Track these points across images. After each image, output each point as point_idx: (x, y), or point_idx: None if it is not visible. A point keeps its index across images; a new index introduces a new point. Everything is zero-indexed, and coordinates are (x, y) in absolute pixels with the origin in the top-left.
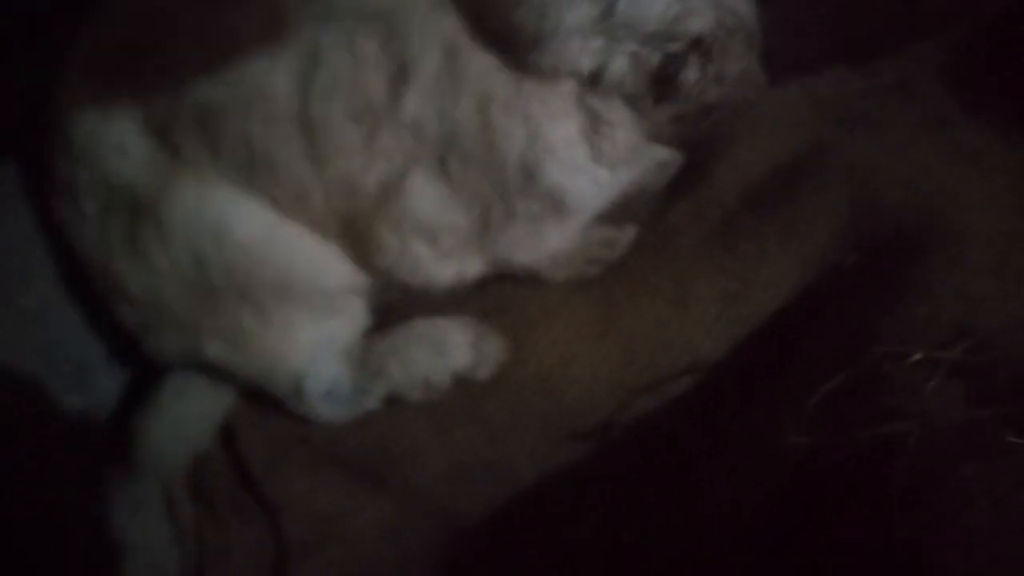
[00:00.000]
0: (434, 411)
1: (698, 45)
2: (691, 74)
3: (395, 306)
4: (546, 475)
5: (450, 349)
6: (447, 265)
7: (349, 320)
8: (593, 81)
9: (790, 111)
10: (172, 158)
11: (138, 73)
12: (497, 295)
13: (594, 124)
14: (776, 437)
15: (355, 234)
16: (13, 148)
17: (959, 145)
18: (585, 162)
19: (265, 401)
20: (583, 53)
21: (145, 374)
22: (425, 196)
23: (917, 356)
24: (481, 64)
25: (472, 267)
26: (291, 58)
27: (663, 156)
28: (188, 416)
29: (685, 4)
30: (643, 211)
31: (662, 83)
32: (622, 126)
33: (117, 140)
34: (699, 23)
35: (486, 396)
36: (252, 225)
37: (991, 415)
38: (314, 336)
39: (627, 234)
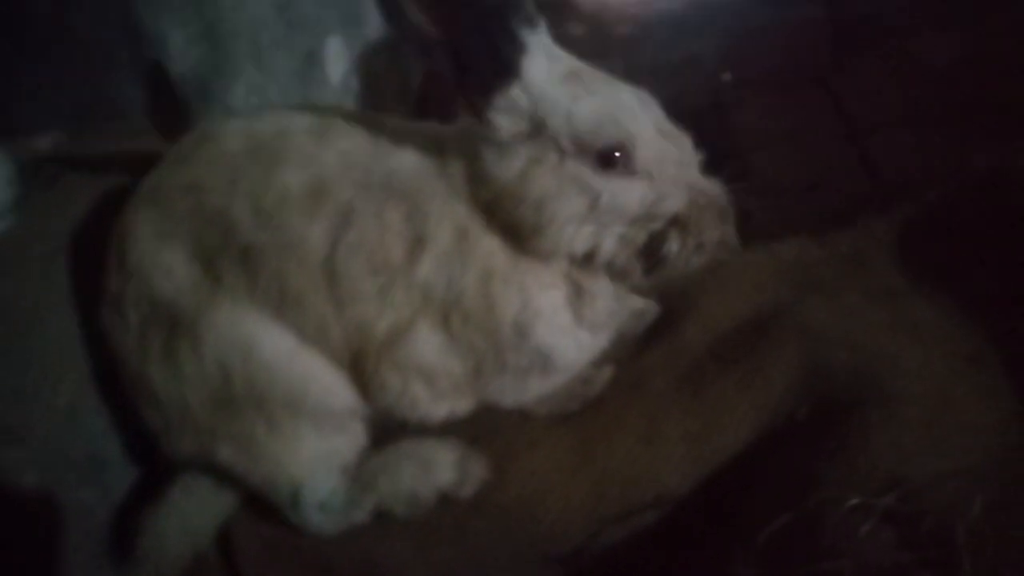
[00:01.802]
0: (418, 529)
1: (677, 222)
2: (673, 246)
3: (391, 429)
4: None
5: (436, 466)
6: (441, 405)
7: (350, 439)
8: (587, 260)
9: (755, 273)
10: (213, 284)
11: (194, 208)
12: (485, 422)
13: (578, 294)
14: (729, 569)
15: (362, 370)
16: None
17: (903, 315)
18: (569, 326)
19: (262, 511)
20: (577, 238)
21: (153, 475)
22: (428, 344)
23: (854, 501)
24: (486, 245)
25: (463, 406)
26: (327, 216)
27: (640, 306)
28: (193, 513)
29: (658, 190)
30: (621, 354)
31: (649, 256)
32: (602, 296)
33: (167, 264)
34: (674, 204)
35: (468, 518)
36: (277, 347)
37: (914, 559)
38: (317, 450)
39: (604, 374)
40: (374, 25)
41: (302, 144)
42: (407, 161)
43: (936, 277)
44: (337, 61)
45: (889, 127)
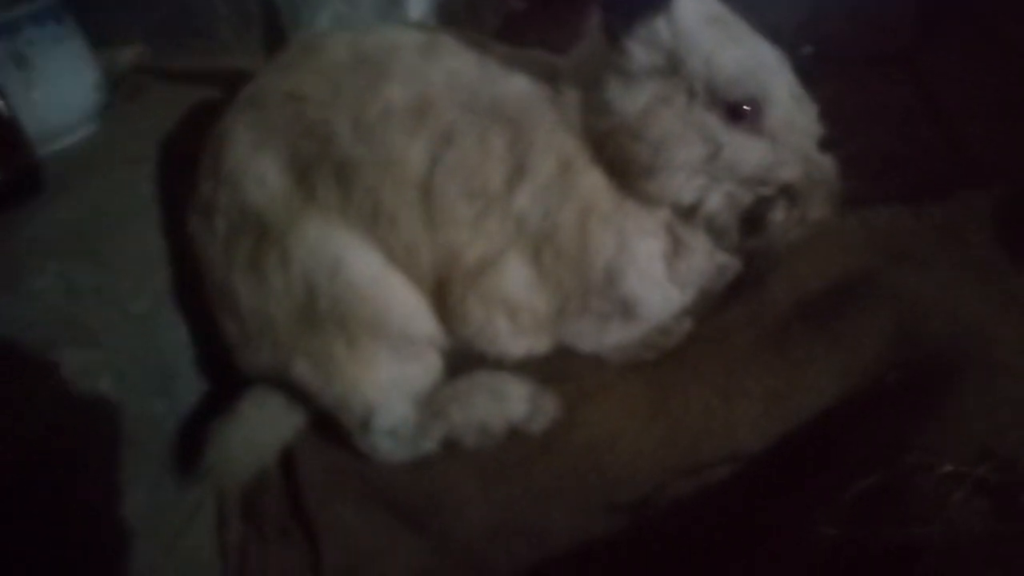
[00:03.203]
0: (484, 466)
1: (787, 191)
2: (778, 215)
3: (468, 362)
4: (581, 544)
5: (508, 398)
6: (521, 341)
7: (425, 369)
8: (690, 212)
9: (847, 237)
10: (306, 197)
11: (293, 117)
12: (559, 365)
13: (675, 247)
14: (810, 528)
15: (447, 299)
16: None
17: (999, 288)
18: (660, 277)
19: (329, 434)
20: (686, 187)
21: (222, 392)
22: (516, 277)
23: (946, 469)
24: (590, 180)
25: (542, 345)
26: (428, 135)
27: (723, 261)
28: (261, 428)
29: (778, 155)
30: (701, 308)
31: (751, 221)
32: (698, 252)
33: (260, 172)
34: (789, 172)
35: (534, 458)
36: (364, 267)
37: (1014, 531)
38: (392, 375)
39: (684, 326)
40: None
41: (409, 60)
42: (517, 86)
43: None
44: (419, 1)
45: (975, 109)
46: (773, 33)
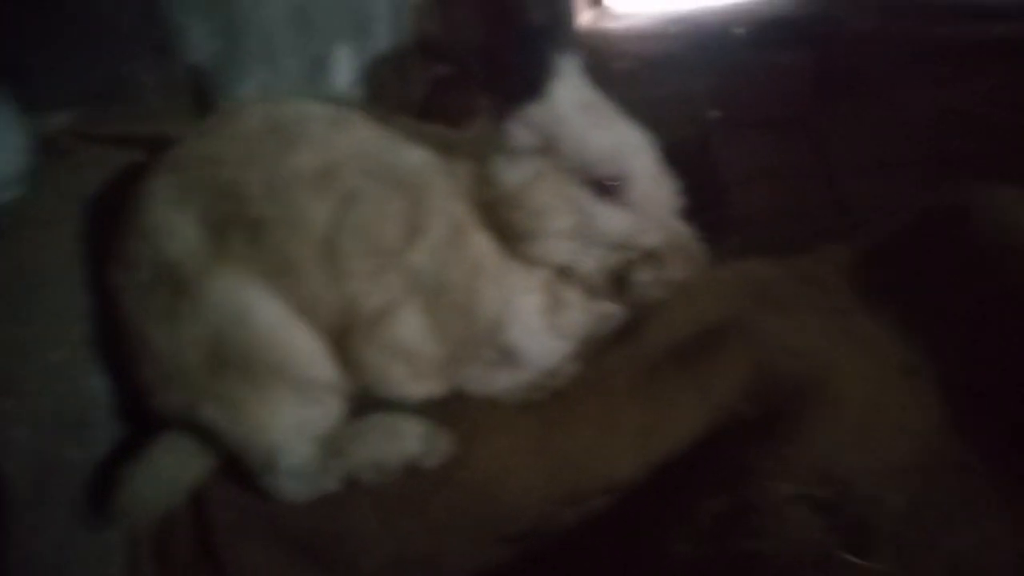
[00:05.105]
0: (383, 502)
1: (650, 255)
2: (642, 276)
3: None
4: (474, 574)
5: (403, 437)
6: (419, 385)
7: (327, 412)
8: (566, 272)
9: (719, 287)
10: (219, 251)
11: (210, 178)
12: (456, 406)
13: (555, 303)
14: (670, 547)
15: (348, 346)
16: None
17: (849, 329)
18: (541, 330)
19: (238, 477)
20: (562, 251)
21: (137, 438)
22: (410, 326)
23: (788, 491)
24: (478, 242)
25: (439, 389)
26: (333, 197)
27: (609, 310)
28: (171, 470)
29: (641, 224)
30: (588, 352)
31: (619, 281)
32: (576, 308)
33: (178, 228)
34: (651, 239)
35: (431, 493)
36: (270, 315)
37: (839, 543)
38: (295, 418)
39: (571, 369)
40: (381, 36)
41: (318, 130)
42: (415, 157)
43: (883, 299)
44: (344, 68)
45: (861, 167)
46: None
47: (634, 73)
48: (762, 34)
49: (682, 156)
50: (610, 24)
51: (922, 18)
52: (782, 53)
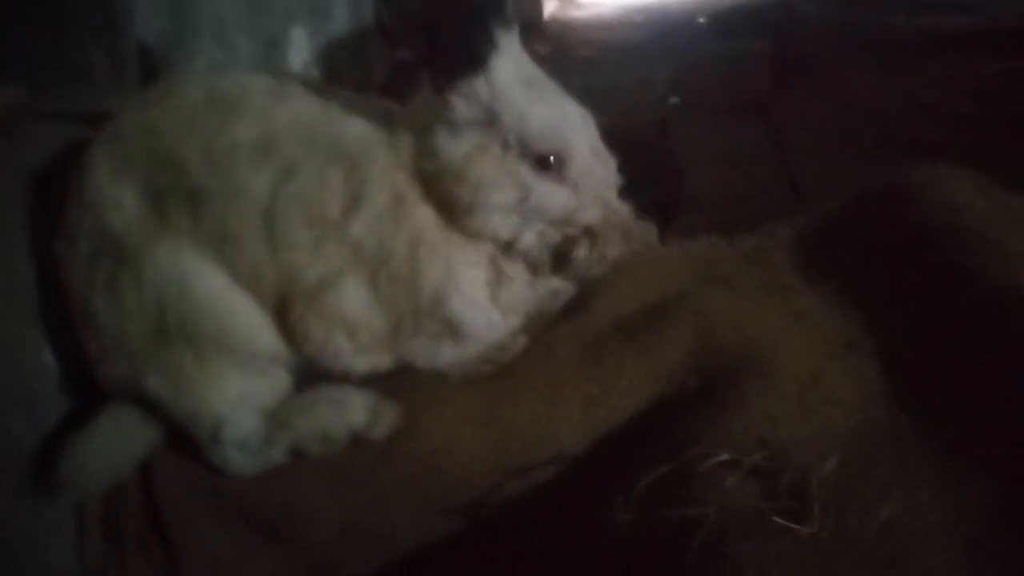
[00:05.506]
0: (331, 474)
1: (588, 232)
2: (581, 252)
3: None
4: (422, 545)
5: (349, 408)
6: (363, 358)
7: (272, 384)
8: (507, 248)
9: (666, 264)
10: (159, 222)
11: (150, 150)
12: (403, 381)
13: (497, 277)
14: (610, 515)
15: (289, 317)
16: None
17: (792, 305)
18: (484, 303)
19: (184, 450)
20: (502, 225)
21: (83, 411)
22: (352, 298)
23: (723, 457)
24: (420, 214)
25: (383, 362)
26: (272, 168)
27: (557, 286)
28: (117, 441)
29: (580, 201)
30: (537, 327)
31: (559, 256)
32: (518, 282)
33: (119, 199)
34: (589, 215)
35: (379, 465)
36: (211, 285)
37: (772, 507)
38: (240, 390)
39: (518, 342)
40: (339, 19)
41: (257, 101)
42: (355, 128)
43: (826, 275)
44: (299, 50)
45: (814, 150)
46: (645, 85)
47: (597, 60)
48: (722, 23)
49: (642, 140)
50: (575, 13)
51: (878, 8)
52: (741, 41)
